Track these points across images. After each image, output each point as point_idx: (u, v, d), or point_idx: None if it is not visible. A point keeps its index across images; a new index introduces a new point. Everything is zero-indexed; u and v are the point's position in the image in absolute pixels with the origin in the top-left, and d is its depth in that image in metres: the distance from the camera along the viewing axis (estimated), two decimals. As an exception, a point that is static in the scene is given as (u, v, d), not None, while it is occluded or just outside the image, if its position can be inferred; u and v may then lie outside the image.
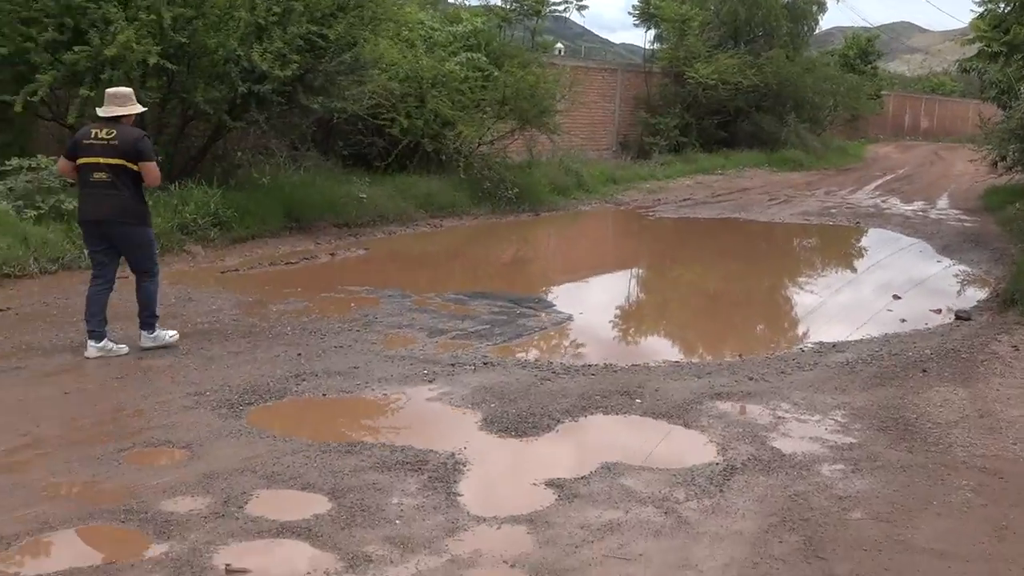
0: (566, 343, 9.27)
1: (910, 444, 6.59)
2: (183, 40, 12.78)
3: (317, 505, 5.23)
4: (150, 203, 9.04)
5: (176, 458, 5.85)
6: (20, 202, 11.55)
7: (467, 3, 25.64)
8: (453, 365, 8.06)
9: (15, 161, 11.90)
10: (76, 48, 12.16)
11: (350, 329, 9.21)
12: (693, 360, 8.81)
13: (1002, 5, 17.70)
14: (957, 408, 7.41)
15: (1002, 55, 17.66)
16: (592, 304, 11.45)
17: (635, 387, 7.61)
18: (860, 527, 5.26)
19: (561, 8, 28.47)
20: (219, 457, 5.82)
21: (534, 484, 5.67)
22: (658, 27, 31.43)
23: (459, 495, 5.46)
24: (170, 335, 8.21)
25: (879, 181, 28.75)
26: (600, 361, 8.53)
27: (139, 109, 8.19)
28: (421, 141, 17.57)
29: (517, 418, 6.77)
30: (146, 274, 8.19)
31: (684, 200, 22.09)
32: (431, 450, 6.11)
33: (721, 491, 5.66)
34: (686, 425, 6.83)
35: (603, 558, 4.77)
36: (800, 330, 10.74)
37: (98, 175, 7.64)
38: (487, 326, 9.60)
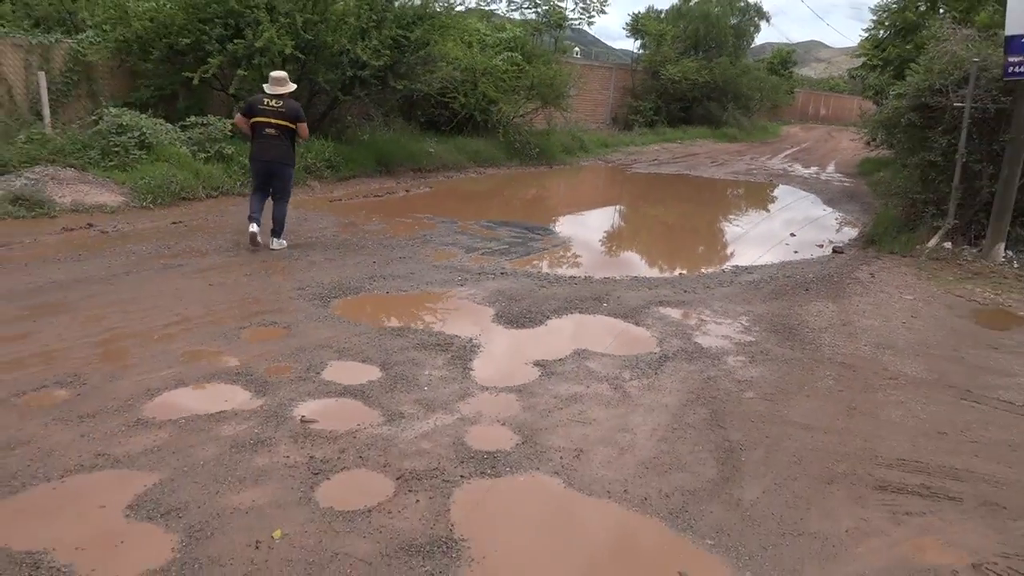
0: (560, 260, 8.87)
1: (792, 343, 6.22)
2: (310, 38, 12.26)
3: (371, 374, 4.98)
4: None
5: (278, 335, 5.58)
6: (196, 147, 11.17)
7: (511, 16, 24.49)
8: (480, 274, 7.72)
9: (193, 119, 11.51)
10: (235, 40, 11.69)
11: (411, 244, 8.86)
12: (648, 275, 8.39)
13: (882, 32, 16.88)
14: (827, 318, 7.01)
15: (878, 67, 16.88)
16: (583, 231, 11.02)
17: (604, 294, 7.24)
18: (751, 404, 4.95)
19: (577, 23, 27.28)
20: (308, 335, 5.56)
21: (525, 364, 5.39)
22: (643, 38, 30.19)
23: (472, 370, 5.18)
24: (284, 243, 8.17)
25: (788, 152, 27.72)
26: (582, 274, 8.15)
27: (293, 87, 8.31)
28: (473, 113, 17.01)
29: (519, 314, 6.45)
30: (282, 199, 8.21)
31: (653, 160, 21.34)
32: (456, 335, 5.82)
33: (656, 373, 5.35)
34: (636, 324, 6.49)
35: (568, 421, 4.50)
36: (725, 254, 10.28)
37: (268, 131, 7.89)
38: (507, 246, 9.23)
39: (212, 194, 10.47)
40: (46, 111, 11.21)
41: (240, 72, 11.77)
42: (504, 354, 5.60)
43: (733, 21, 32.10)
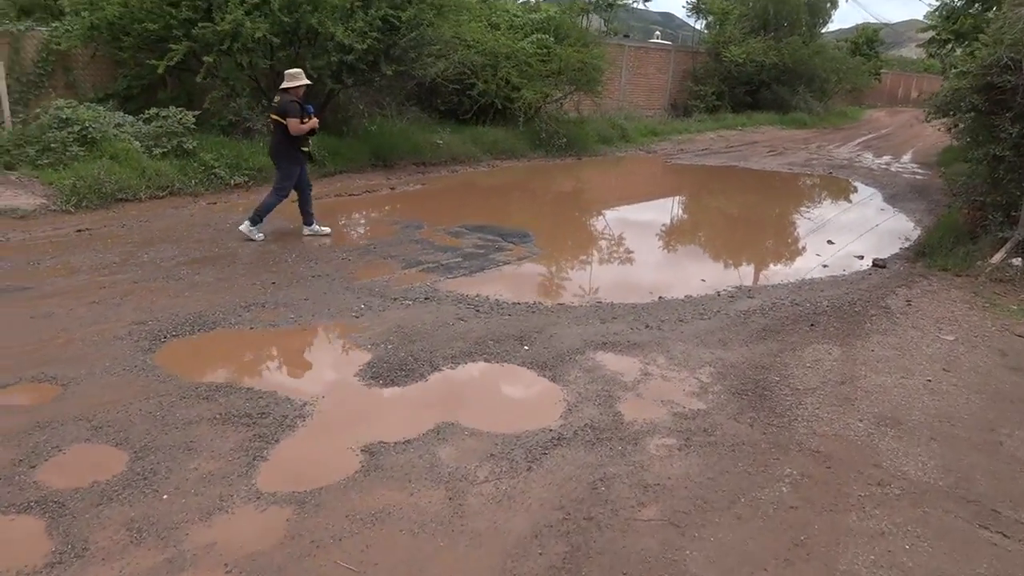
0: (515, 279, 7.22)
1: (756, 415, 4.48)
2: (287, 20, 10.94)
3: (112, 466, 3.54)
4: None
5: (36, 398, 4.22)
6: (152, 143, 10.01)
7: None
8: (395, 299, 6.20)
9: (152, 111, 10.36)
10: (202, 24, 10.47)
11: (343, 257, 7.41)
12: (616, 300, 6.67)
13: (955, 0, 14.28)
14: (823, 371, 5.19)
15: (948, 41, 14.27)
16: (567, 239, 9.34)
17: (534, 331, 5.61)
18: (641, 535, 3.28)
19: (632, 3, 25.25)
20: (77, 399, 4.20)
21: (351, 449, 3.85)
22: (706, 18, 27.85)
23: (265, 460, 3.69)
24: (259, 235, 7.90)
25: (863, 139, 24.97)
26: (530, 300, 6.52)
27: (296, 83, 7.83)
28: (495, 101, 15.42)
29: (400, 363, 4.90)
30: (273, 189, 8.04)
31: (703, 150, 19.24)
32: (287, 398, 4.33)
33: (530, 469, 3.74)
34: (553, 378, 4.85)
35: (334, 564, 2.93)
36: (734, 269, 8.40)
37: (272, 125, 7.96)
38: (460, 259, 7.66)
39: (158, 194, 9.28)
40: (5, 105, 10.26)
41: (207, 59, 10.53)
42: (333, 431, 4.07)
43: (807, -2, 29.26)
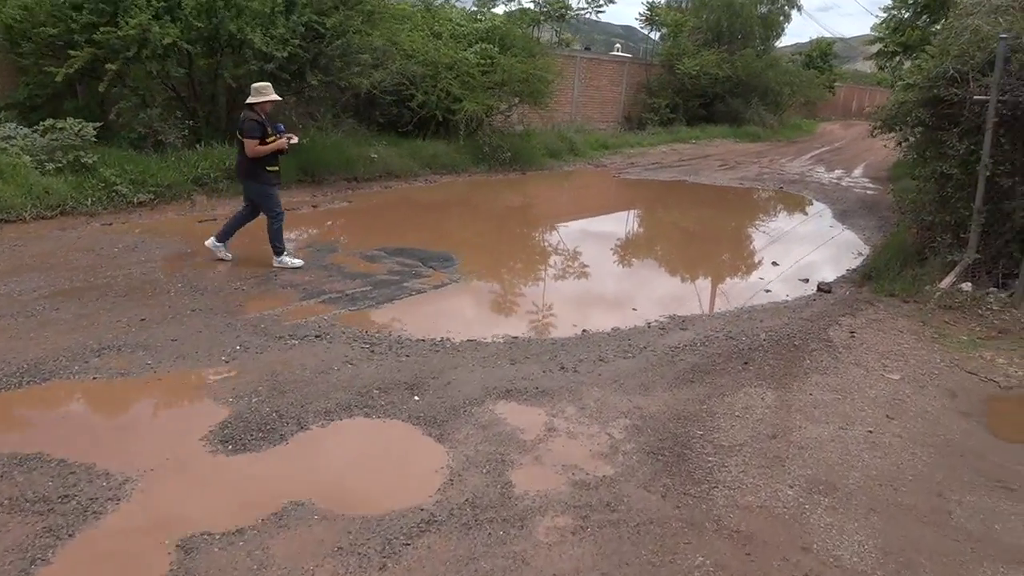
0: (424, 311, 6.49)
1: (671, 481, 3.81)
2: (200, 25, 10.15)
3: None
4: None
5: None
6: (45, 157, 9.13)
7: (503, 8, 22.12)
8: (281, 338, 5.44)
9: (48, 122, 9.48)
10: (103, 29, 9.62)
11: (237, 287, 6.63)
12: (532, 336, 5.99)
13: (904, 12, 13.88)
14: (753, 421, 4.54)
15: (896, 53, 13.92)
16: (495, 263, 8.63)
17: (431, 376, 4.90)
18: (504, 666, 2.56)
19: (584, 13, 24.74)
20: None
21: (161, 545, 3.07)
22: (659, 30, 27.51)
23: (47, 563, 2.94)
24: (295, 262, 7.41)
25: (815, 152, 24.74)
26: (437, 335, 5.80)
27: (262, 98, 7.08)
28: (435, 113, 14.71)
29: (261, 422, 4.15)
30: (267, 216, 7.40)
31: (654, 163, 18.74)
32: (105, 474, 3.56)
33: (383, 568, 3.04)
34: (440, 438, 4.13)
35: None
36: (670, 295, 7.74)
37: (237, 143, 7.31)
38: (369, 288, 6.92)
39: (46, 214, 8.41)
40: None
41: (109, 67, 9.67)
42: (148, 519, 3.31)
43: (762, 10, 29.12)
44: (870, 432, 4.49)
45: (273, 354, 5.11)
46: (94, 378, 4.57)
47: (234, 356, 5.03)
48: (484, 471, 3.80)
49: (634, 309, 6.96)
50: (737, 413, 4.64)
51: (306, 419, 4.21)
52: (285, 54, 10.41)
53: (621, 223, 11.76)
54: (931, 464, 4.17)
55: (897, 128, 8.30)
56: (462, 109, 14.56)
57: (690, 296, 7.62)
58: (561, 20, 23.27)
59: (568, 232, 10.80)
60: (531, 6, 22.48)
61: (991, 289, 7.06)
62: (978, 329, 6.44)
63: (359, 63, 11.45)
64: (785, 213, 13.41)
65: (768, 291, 7.91)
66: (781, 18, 29.37)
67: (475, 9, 18.16)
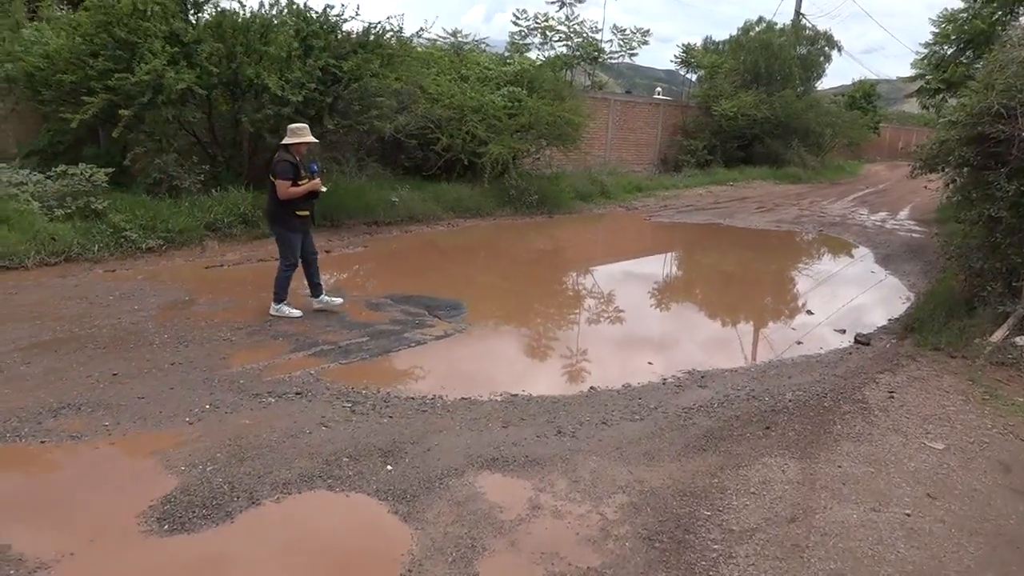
0: (421, 365, 6.04)
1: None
2: (215, 70, 10.05)
3: None
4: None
5: None
6: (55, 202, 9.01)
7: (537, 52, 22.00)
8: (258, 395, 5.03)
9: (60, 168, 9.38)
10: (118, 76, 9.56)
11: (227, 338, 6.27)
12: (534, 393, 5.48)
13: (946, 47, 13.21)
14: (770, 500, 3.96)
15: (939, 91, 13.20)
16: (505, 312, 8.14)
17: (411, 441, 4.43)
18: None
19: (617, 56, 24.48)
20: None
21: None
22: (695, 72, 27.17)
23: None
24: (293, 312, 7.03)
25: (859, 193, 23.96)
26: (430, 391, 5.35)
27: (297, 140, 6.80)
28: (460, 156, 14.46)
29: (209, 495, 3.71)
30: (281, 262, 7.03)
31: (687, 206, 18.20)
32: (20, 557, 3.17)
33: None
34: (407, 516, 3.65)
35: None
36: (691, 348, 7.16)
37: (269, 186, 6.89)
38: (367, 338, 6.51)
39: (49, 261, 8.23)
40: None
41: (123, 112, 9.57)
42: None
43: (801, 51, 28.61)
44: (908, 515, 3.87)
45: (244, 414, 4.70)
46: (42, 442, 4.19)
47: (200, 416, 4.62)
48: (450, 559, 3.29)
49: (649, 363, 6.42)
50: (752, 489, 4.06)
51: (260, 492, 3.76)
52: (300, 98, 10.22)
53: (646, 269, 11.22)
54: (979, 558, 3.54)
55: (940, 168, 7.69)
56: (488, 152, 14.27)
57: (713, 349, 7.04)
58: (594, 63, 23.00)
59: (589, 278, 10.31)
60: (564, 50, 22.27)
61: (1049, 344, 6.36)
62: (1035, 389, 5.75)
63: (378, 107, 11.20)
64: (823, 258, 12.74)
65: (800, 343, 7.30)
66: (821, 59, 28.82)
67: (507, 53, 17.94)
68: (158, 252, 9.14)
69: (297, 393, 5.11)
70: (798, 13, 28.70)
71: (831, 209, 19.08)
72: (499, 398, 5.34)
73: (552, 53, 22.61)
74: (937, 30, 12.93)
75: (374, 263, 10.11)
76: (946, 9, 13.02)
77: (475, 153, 14.46)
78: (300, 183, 6.78)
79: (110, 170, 9.57)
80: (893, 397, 5.57)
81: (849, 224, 16.24)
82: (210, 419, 4.60)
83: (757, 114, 24.88)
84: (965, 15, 12.71)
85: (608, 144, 23.23)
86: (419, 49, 15.11)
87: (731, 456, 4.47)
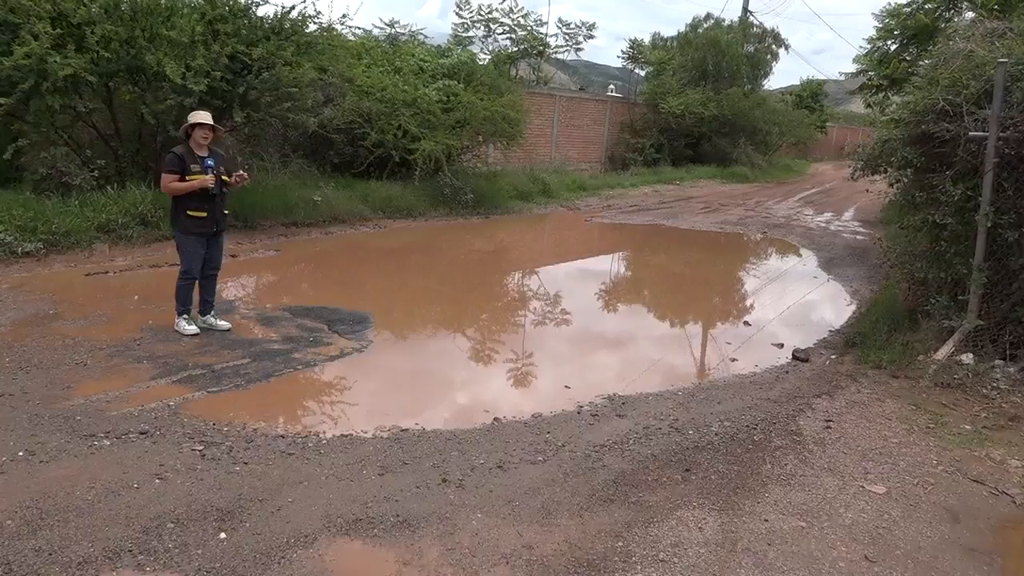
0: (302, 394, 5.28)
1: None
2: (109, 56, 9.10)
3: None
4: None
5: None
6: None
7: (480, 46, 21.21)
8: (92, 435, 4.22)
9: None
10: (-6, 59, 8.56)
11: (80, 361, 5.41)
12: (428, 427, 4.74)
13: (890, 43, 12.78)
14: (682, 569, 3.29)
15: (881, 87, 12.78)
16: (416, 326, 7.39)
17: (259, 497, 3.66)
18: None
19: (563, 51, 23.81)
20: None
21: None
22: (641, 67, 26.69)
23: None
24: (189, 328, 6.18)
25: (805, 193, 23.70)
26: (304, 428, 4.58)
27: (187, 124, 6.05)
28: (391, 152, 13.66)
29: (-27, 584, 2.88)
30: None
31: (631, 206, 17.64)
32: None
33: None
34: (226, 608, 2.85)
35: None
36: (614, 369, 6.47)
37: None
38: (248, 360, 5.71)
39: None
40: None
41: (1, 100, 8.58)
42: None
43: (748, 49, 28.36)
44: (841, 586, 3.23)
45: (64, 463, 3.87)
46: None
47: (4, 468, 3.78)
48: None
49: (567, 387, 5.72)
50: (662, 555, 3.39)
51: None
52: (203, 87, 9.30)
53: (577, 276, 10.53)
54: (926, 647, 2.90)
55: (882, 169, 7.15)
56: (419, 149, 13.49)
57: (638, 368, 6.38)
58: (539, 57, 22.30)
59: (514, 286, 9.61)
60: (508, 43, 21.54)
61: (997, 362, 5.84)
62: (983, 416, 5.20)
63: (292, 98, 10.32)
64: (765, 262, 12.24)
65: (735, 360, 6.69)
66: (768, 57, 28.63)
67: (446, 45, 17.14)
68: (36, 257, 8.20)
69: (142, 433, 4.30)
70: (746, 10, 28.47)
71: (776, 210, 18.70)
72: (385, 434, 4.60)
73: (496, 47, 21.89)
74: (880, 25, 12.55)
75: (283, 269, 9.27)
76: (889, 3, 12.60)
77: (407, 150, 13.68)
78: (190, 178, 5.94)
79: (-14, 166, 8.57)
80: (830, 427, 4.97)
81: (794, 226, 15.83)
82: (16, 471, 3.77)
83: (704, 112, 24.57)
84: (908, 9, 12.32)
85: (553, 141, 22.63)
86: (349, 39, 14.27)
87: (642, 508, 3.79)
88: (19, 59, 8.46)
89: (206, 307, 6.40)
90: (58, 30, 8.75)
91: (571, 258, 11.99)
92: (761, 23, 29.77)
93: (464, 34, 22.33)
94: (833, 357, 6.75)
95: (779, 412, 5.22)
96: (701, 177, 24.03)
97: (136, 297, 7.23)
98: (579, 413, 5.17)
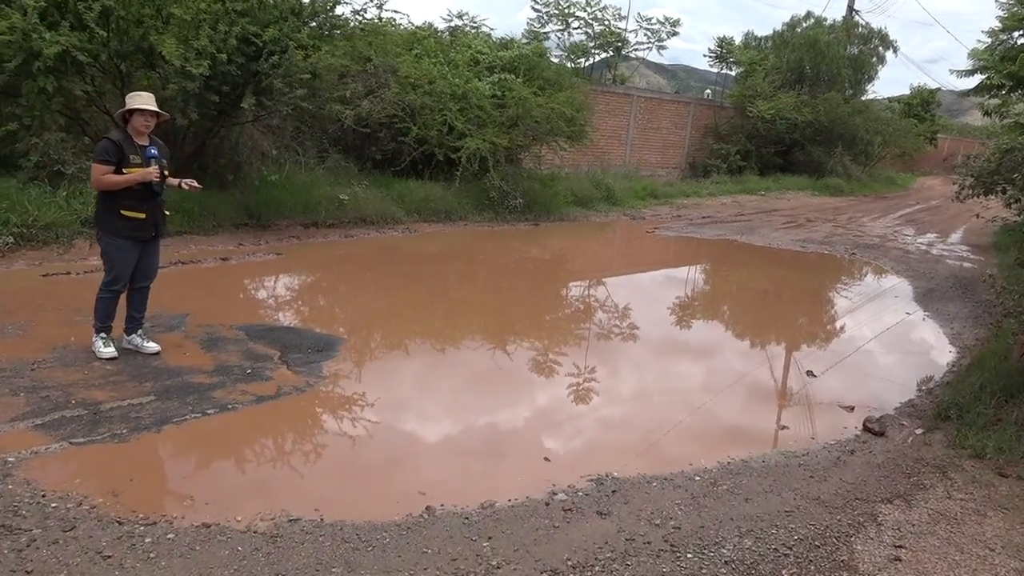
0: (197, 451, 4.08)
1: None
2: (100, 32, 8.24)
3: None
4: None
5: None
6: None
7: (555, 41, 19.90)
8: None
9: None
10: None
11: (-57, 390, 4.37)
12: (332, 514, 3.48)
13: (1016, 35, 10.62)
14: None
15: (1003, 88, 10.63)
16: (388, 358, 6.04)
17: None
18: None
19: (645, 48, 22.23)
20: None
21: None
22: (731, 69, 24.77)
23: None
24: (105, 351, 5.07)
25: (907, 210, 21.31)
26: (161, 510, 3.40)
27: (125, 109, 4.89)
28: (435, 150, 12.51)
29: None
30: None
31: (704, 218, 15.94)
32: None
33: None
34: None
35: None
36: (618, 434, 5.00)
37: None
38: (153, 398, 4.58)
39: None
40: None
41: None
42: None
43: (851, 51, 25.99)
44: None
45: None
46: None
47: None
48: None
49: (546, 459, 4.34)
50: None
51: None
52: (201, 70, 8.31)
53: (610, 301, 9.03)
54: None
55: (999, 189, 5.44)
56: (464, 147, 12.28)
57: (651, 433, 4.92)
58: (617, 53, 20.79)
59: (531, 310, 8.20)
60: (583, 38, 20.13)
61: None
62: None
63: (306, 85, 9.22)
64: (846, 291, 10.41)
65: (784, 427, 5.14)
66: (874, 60, 26.14)
67: (509, 36, 15.89)
68: (2, 252, 7.35)
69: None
70: (851, 8, 26.04)
71: (871, 227, 16.61)
72: (263, 526, 3.35)
73: (571, 42, 20.55)
74: (1005, 14, 10.46)
75: (274, 277, 8.19)
76: (1018, -12, 10.48)
77: (453, 147, 12.49)
78: (129, 170, 4.85)
79: (-37, 149, 7.82)
80: (900, 560, 3.42)
81: (889, 247, 13.81)
82: None
83: (798, 117, 22.55)
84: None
85: (628, 144, 21.11)
86: (400, 28, 13.23)
87: None
88: (1, 32, 7.65)
89: (133, 325, 5.32)
90: (45, 3, 7.89)
91: (607, 275, 10.44)
92: (867, 23, 27.25)
93: (540, 29, 21.16)
94: (918, 432, 5.11)
95: (828, 525, 3.69)
96: (790, 188, 21.98)
97: (79, 307, 6.23)
98: (547, 505, 3.79)
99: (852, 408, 5.60)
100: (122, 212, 4.96)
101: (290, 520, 3.42)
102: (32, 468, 3.66)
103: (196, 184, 5.30)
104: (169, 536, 3.20)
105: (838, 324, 8.35)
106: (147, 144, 5.04)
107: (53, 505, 3.36)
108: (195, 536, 3.22)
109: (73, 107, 9.19)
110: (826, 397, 5.82)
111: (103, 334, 5.14)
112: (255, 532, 3.31)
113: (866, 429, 5.15)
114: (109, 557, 3.01)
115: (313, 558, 3.14)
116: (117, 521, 3.28)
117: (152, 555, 3.05)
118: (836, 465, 4.52)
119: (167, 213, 5.34)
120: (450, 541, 3.35)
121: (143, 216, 5.04)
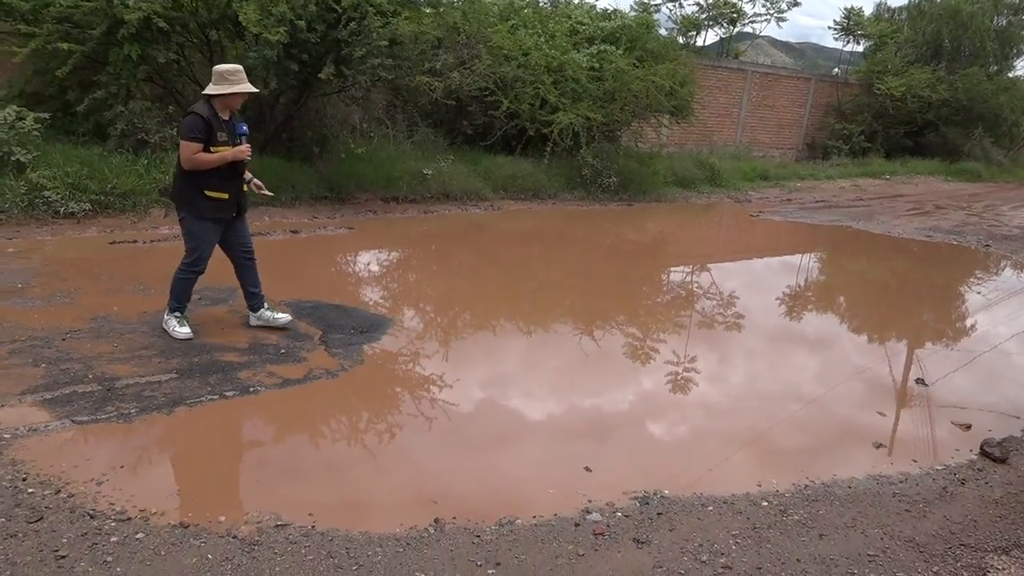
0: (202, 438, 3.74)
1: None
2: (190, 0, 8.19)
3: None
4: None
5: None
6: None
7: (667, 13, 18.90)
8: None
9: (-10, 112, 7.83)
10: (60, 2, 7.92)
11: (-31, 358, 4.25)
12: (326, 523, 3.06)
13: None
14: None
15: None
16: (435, 342, 5.57)
17: None
18: None
19: (762, 20, 20.83)
20: None
21: None
22: (858, 43, 22.93)
23: None
24: (181, 332, 4.83)
25: (1056, 199, 19.11)
26: (140, 505, 3.09)
27: (224, 89, 4.52)
28: (527, 125, 12.00)
29: None
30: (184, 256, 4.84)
31: (818, 201, 14.71)
32: None
33: None
34: None
35: None
36: (684, 438, 4.37)
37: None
38: (174, 375, 4.31)
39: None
40: None
41: (64, 46, 7.94)
42: None
43: (999, 23, 23.54)
44: None
45: None
46: None
47: None
48: None
49: (587, 469, 3.77)
50: None
51: None
52: (280, 37, 8.10)
53: (685, 287, 8.22)
54: None
55: None
56: (555, 121, 11.70)
57: (716, 447, 4.24)
58: (732, 25, 19.53)
59: (600, 296, 7.53)
60: (695, 9, 19.03)
61: None
62: None
63: (384, 53, 8.85)
64: (974, 288, 9.17)
65: (880, 445, 4.35)
66: (1024, 31, 23.58)
67: (610, 8, 15.11)
68: (76, 219, 7.38)
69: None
70: (1000, -26, 23.54)
71: (1011, 217, 14.89)
72: (245, 531, 2.96)
73: (681, 14, 19.49)
74: None
75: (340, 251, 7.92)
76: None
77: (545, 122, 11.95)
78: (216, 149, 4.55)
79: (45, 115, 7.94)
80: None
81: (1030, 240, 12.26)
82: None
83: (932, 95, 20.59)
84: None
85: (740, 122, 19.93)
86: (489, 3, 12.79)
87: None
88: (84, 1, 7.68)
89: (255, 301, 5.12)
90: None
91: (693, 262, 9.59)
92: (1020, -10, 24.54)
93: (651, 1, 20.18)
94: (1051, 464, 4.20)
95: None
96: (919, 172, 20.16)
97: (134, 276, 6.10)
98: (577, 526, 3.24)
99: (969, 427, 4.73)
100: (206, 192, 4.67)
101: (277, 525, 3.03)
102: (25, 447, 3.42)
103: (267, 191, 5.02)
104: (138, 536, 2.86)
105: (960, 326, 7.31)
106: (231, 120, 4.73)
107: (30, 491, 3.09)
108: (166, 538, 2.87)
109: (164, 76, 9.23)
110: (938, 411, 4.95)
111: (178, 314, 4.91)
112: (234, 537, 2.93)
113: (984, 454, 4.29)
114: (63, 557, 2.70)
115: (292, 571, 2.72)
116: (89, 514, 2.97)
117: (110, 559, 2.71)
118: (940, 498, 3.73)
119: (245, 190, 5.01)
120: (450, 564, 2.86)
121: (227, 196, 4.75)
